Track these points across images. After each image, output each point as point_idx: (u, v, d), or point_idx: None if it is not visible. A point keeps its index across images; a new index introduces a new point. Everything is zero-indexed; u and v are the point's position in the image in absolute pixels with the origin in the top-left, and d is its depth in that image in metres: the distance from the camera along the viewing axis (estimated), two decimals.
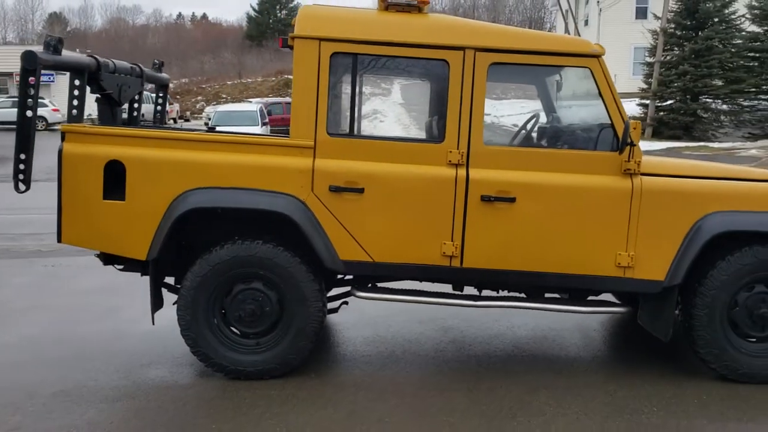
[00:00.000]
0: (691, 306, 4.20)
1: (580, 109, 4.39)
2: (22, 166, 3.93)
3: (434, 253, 4.10)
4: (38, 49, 3.98)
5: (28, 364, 4.48)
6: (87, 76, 4.29)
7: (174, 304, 4.35)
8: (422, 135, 4.51)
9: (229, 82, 55.79)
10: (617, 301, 4.63)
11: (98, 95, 4.57)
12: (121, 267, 4.46)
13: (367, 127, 5.67)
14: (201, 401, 3.94)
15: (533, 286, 4.30)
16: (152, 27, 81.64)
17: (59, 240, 4.11)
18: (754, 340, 4.28)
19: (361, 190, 4.05)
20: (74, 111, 4.23)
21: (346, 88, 4.18)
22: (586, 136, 4.28)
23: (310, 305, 4.12)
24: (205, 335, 4.15)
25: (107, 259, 4.38)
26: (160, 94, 5.64)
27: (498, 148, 4.14)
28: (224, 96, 51.44)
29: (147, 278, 4.28)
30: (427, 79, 4.59)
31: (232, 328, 4.24)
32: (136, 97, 5.16)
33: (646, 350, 4.91)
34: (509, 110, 15.42)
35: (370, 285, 4.44)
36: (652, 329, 4.28)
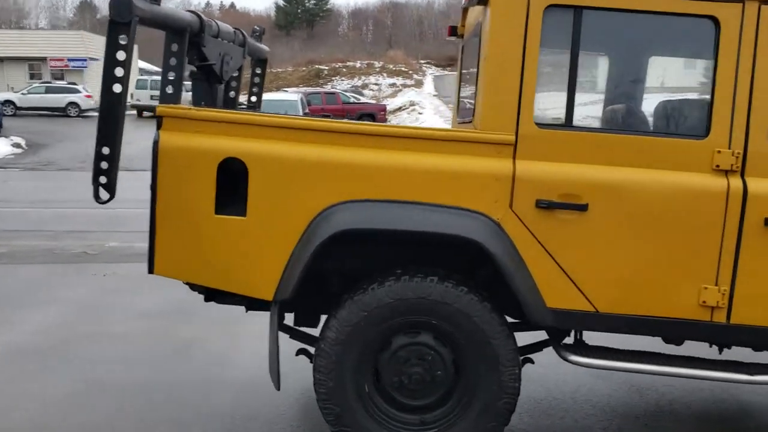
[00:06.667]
0: None
1: None
2: (105, 165, 2.70)
3: (689, 302, 2.82)
4: None
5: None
6: (188, 38, 3.07)
7: (297, 354, 3.18)
8: (670, 126, 3.22)
9: None
10: None
11: (195, 67, 3.36)
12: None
13: (590, 116, 4.21)
14: None
15: None
16: None
17: (151, 270, 2.89)
18: None
19: (583, 207, 2.78)
20: (169, 87, 3.02)
21: (563, 59, 2.90)
22: None
23: (503, 371, 2.87)
24: (353, 408, 2.91)
25: (211, 294, 3.17)
26: (257, 71, 4.41)
27: None
28: None
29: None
30: (677, 46, 3.29)
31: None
32: (235, 74, 3.94)
33: None
34: None
35: (572, 341, 3.18)
36: None
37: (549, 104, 2.99)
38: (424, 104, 39.17)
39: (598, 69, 3.50)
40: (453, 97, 4.08)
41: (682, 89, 3.42)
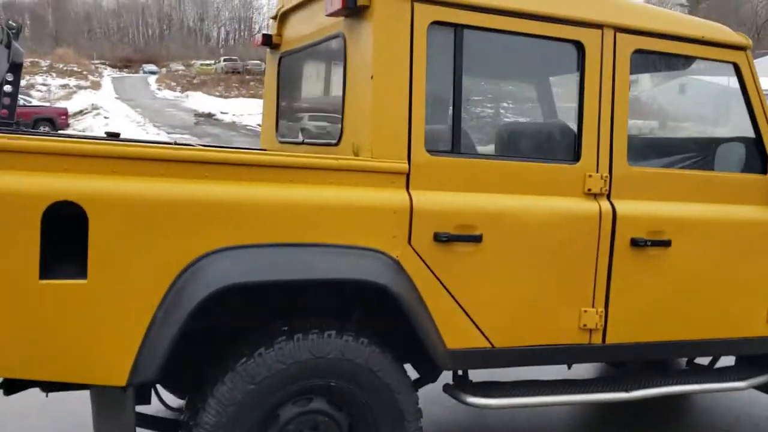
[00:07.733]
0: None
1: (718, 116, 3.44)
2: None
3: (571, 326, 2.82)
4: None
5: None
6: None
7: None
8: (544, 151, 3.13)
9: None
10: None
11: None
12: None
13: (473, 141, 3.73)
14: None
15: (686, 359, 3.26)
16: None
17: None
18: None
19: (478, 238, 2.61)
20: None
21: (447, 80, 2.67)
22: (732, 153, 3.33)
23: (408, 427, 2.56)
24: None
25: (12, 384, 2.30)
26: (9, 77, 3.39)
27: (645, 170, 2.99)
28: None
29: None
30: (552, 70, 3.24)
31: None
32: None
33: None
34: None
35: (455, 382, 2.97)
36: None
37: (440, 129, 2.75)
38: (108, 108, 36.17)
39: (487, 91, 3.37)
40: (267, 112, 3.61)
41: (553, 113, 3.44)
